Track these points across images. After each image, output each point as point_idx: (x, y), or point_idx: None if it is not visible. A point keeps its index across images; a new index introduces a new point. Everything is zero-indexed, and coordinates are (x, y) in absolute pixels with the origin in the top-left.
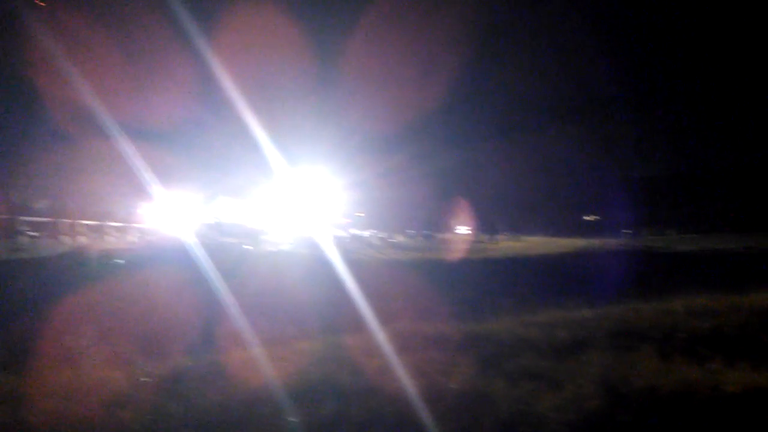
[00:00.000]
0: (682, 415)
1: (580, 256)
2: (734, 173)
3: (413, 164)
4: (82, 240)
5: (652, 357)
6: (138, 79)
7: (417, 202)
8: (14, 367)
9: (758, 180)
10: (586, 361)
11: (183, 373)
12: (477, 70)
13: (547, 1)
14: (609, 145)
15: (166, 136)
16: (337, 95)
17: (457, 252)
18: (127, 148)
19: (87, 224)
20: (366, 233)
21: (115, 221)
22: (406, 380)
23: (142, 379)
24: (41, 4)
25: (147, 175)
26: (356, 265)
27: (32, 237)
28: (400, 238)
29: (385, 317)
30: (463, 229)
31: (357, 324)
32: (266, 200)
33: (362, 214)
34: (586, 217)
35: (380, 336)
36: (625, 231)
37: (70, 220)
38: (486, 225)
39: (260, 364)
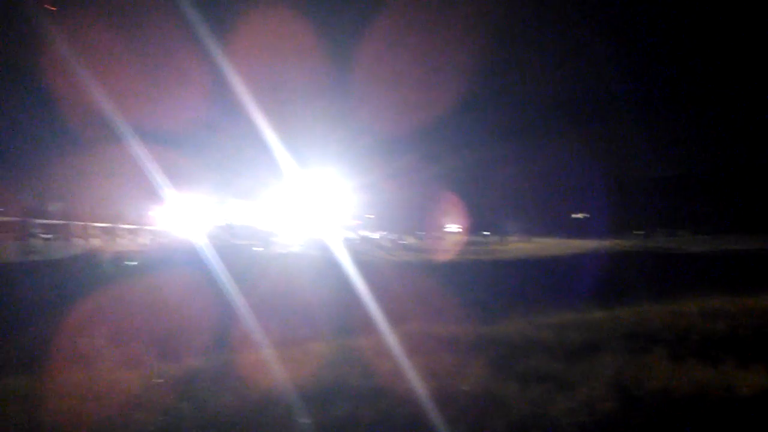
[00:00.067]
0: (695, 417)
1: (592, 257)
2: (748, 174)
3: (423, 166)
4: (95, 242)
5: (665, 359)
6: (150, 83)
7: (426, 204)
8: (30, 368)
9: None
10: (598, 363)
11: (196, 375)
12: (487, 72)
13: (552, 4)
14: (621, 146)
15: (177, 138)
16: (348, 98)
17: (467, 254)
18: (139, 150)
19: (99, 226)
20: (376, 235)
21: (127, 223)
22: (417, 382)
23: (156, 381)
24: (52, 8)
25: (159, 178)
26: (366, 267)
27: (45, 239)
28: (410, 240)
29: (396, 319)
30: (473, 231)
31: (368, 326)
32: (277, 202)
33: (372, 216)
34: (597, 218)
35: (391, 338)
36: (637, 232)
37: (82, 223)
38: (496, 226)
39: (272, 365)
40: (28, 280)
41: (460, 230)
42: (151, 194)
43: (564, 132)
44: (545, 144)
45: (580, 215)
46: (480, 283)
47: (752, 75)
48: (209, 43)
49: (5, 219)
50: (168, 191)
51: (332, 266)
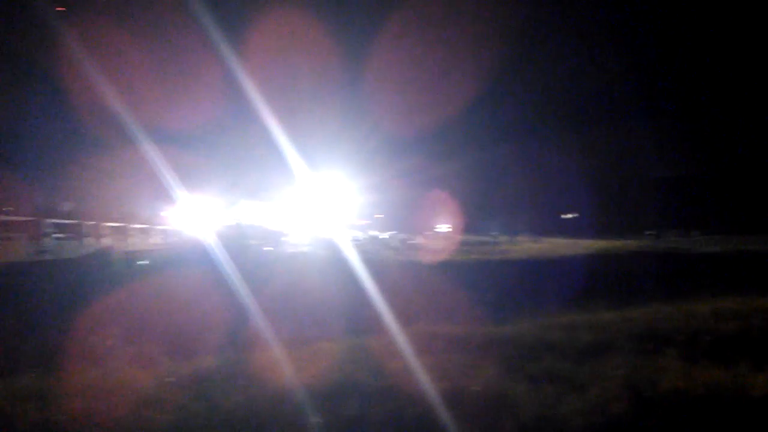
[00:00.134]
0: (707, 418)
1: (602, 257)
2: (761, 174)
3: (431, 166)
4: (107, 241)
5: (677, 360)
6: (162, 84)
7: (435, 204)
8: (43, 367)
9: None
10: (609, 364)
11: (207, 373)
12: (496, 73)
13: (557, 5)
14: (632, 147)
15: (188, 139)
16: (357, 99)
17: (476, 253)
18: (151, 151)
19: (111, 226)
20: (385, 235)
21: (139, 223)
22: (427, 382)
23: (168, 379)
24: (61, 9)
25: (170, 178)
26: (376, 267)
27: (58, 239)
28: (419, 240)
29: (406, 319)
30: (482, 231)
31: (378, 325)
32: (287, 202)
33: (381, 216)
34: (607, 218)
35: (401, 337)
36: (648, 232)
37: (94, 222)
38: (505, 226)
39: (282, 364)
40: (42, 279)
41: (469, 230)
42: (163, 194)
43: (575, 132)
44: (555, 145)
45: (592, 216)
46: (489, 283)
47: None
48: (221, 45)
49: (19, 219)
50: (179, 191)
51: (341, 266)
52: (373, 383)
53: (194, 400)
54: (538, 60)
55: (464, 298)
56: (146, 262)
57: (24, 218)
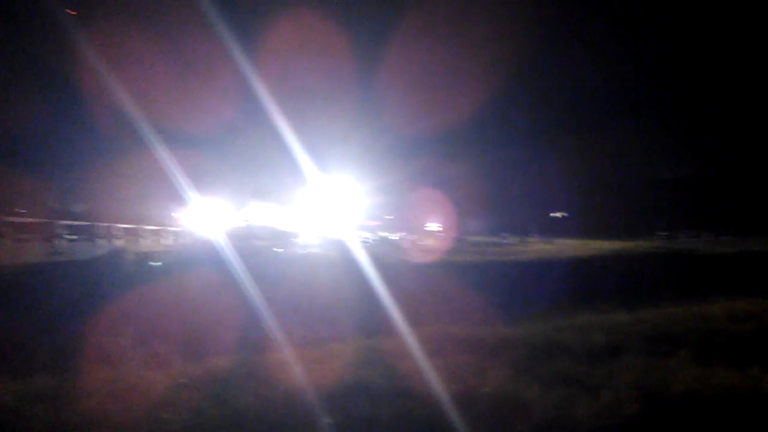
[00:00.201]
0: (721, 421)
1: (615, 258)
2: None
3: (442, 168)
4: (119, 243)
5: (690, 362)
6: (173, 86)
7: (445, 205)
8: (56, 368)
9: None
10: (622, 366)
11: (220, 374)
12: (506, 73)
13: (564, 7)
14: (644, 148)
15: (200, 141)
16: (368, 100)
17: (487, 255)
18: (162, 152)
19: (123, 227)
20: (395, 236)
21: (151, 224)
22: (438, 384)
23: (180, 380)
24: (72, 12)
25: (181, 179)
26: (386, 268)
27: (70, 240)
28: (429, 241)
29: (417, 320)
30: (493, 232)
31: (389, 326)
32: (297, 204)
33: (391, 217)
34: (618, 220)
35: (412, 339)
36: (660, 233)
37: (106, 224)
38: (516, 227)
39: (294, 365)
40: (54, 280)
41: (480, 231)
42: (175, 196)
43: (587, 134)
44: (567, 146)
45: (603, 217)
46: (500, 284)
47: None
48: (233, 48)
49: (31, 220)
50: (191, 193)
51: (352, 267)
52: (385, 384)
53: (207, 401)
54: (548, 62)
55: (474, 299)
56: (159, 263)
57: (37, 220)
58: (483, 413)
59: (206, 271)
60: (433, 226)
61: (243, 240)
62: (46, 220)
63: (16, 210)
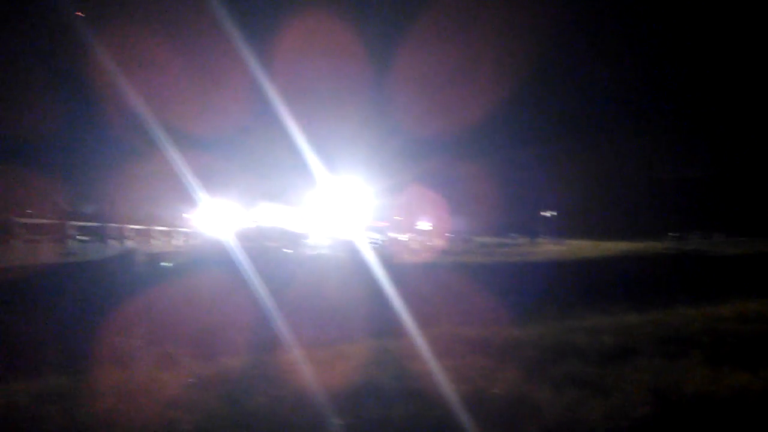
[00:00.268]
0: (734, 423)
1: (625, 259)
2: None
3: (451, 169)
4: (130, 244)
5: (702, 364)
6: (183, 87)
7: (454, 206)
8: (68, 368)
9: None
10: (633, 367)
11: (230, 375)
12: (519, 73)
13: (566, 8)
14: (654, 147)
15: (209, 142)
16: (379, 99)
17: (497, 255)
18: (172, 154)
19: (134, 228)
20: (405, 237)
21: (161, 225)
22: (448, 385)
23: (191, 380)
24: (81, 15)
25: (191, 181)
26: (396, 269)
27: (82, 241)
28: (438, 242)
29: (427, 321)
30: (502, 233)
31: (399, 327)
32: (306, 204)
33: (401, 218)
34: (629, 221)
35: (422, 340)
36: (671, 234)
37: (117, 225)
38: (527, 228)
39: (304, 366)
40: (66, 281)
41: (489, 232)
42: (185, 197)
43: (597, 133)
44: (576, 147)
45: (615, 217)
46: (510, 285)
47: None
48: (242, 48)
49: (43, 221)
50: (201, 194)
51: (361, 268)
52: (395, 385)
53: (218, 402)
54: (558, 63)
55: (485, 300)
56: (170, 264)
57: (48, 221)
58: (493, 415)
59: (216, 271)
60: (442, 227)
61: (252, 241)
62: (57, 221)
63: (28, 211)
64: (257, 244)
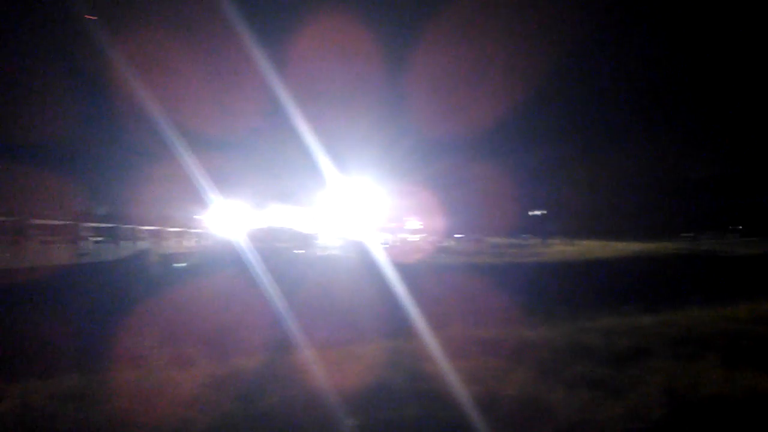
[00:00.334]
0: (749, 425)
1: (638, 260)
2: None
3: (463, 169)
4: (143, 244)
5: (717, 365)
6: (196, 89)
7: (467, 207)
8: (83, 368)
9: None
10: (647, 369)
11: (243, 375)
12: (534, 74)
13: (568, 8)
14: (667, 147)
15: (221, 143)
16: (390, 100)
17: (508, 256)
18: (185, 155)
19: (147, 229)
20: (416, 237)
21: (173, 226)
22: (461, 386)
23: (205, 380)
24: (92, 18)
25: (203, 182)
26: (407, 270)
27: (95, 242)
28: (450, 243)
29: (439, 322)
30: (514, 233)
31: (410, 328)
32: (317, 205)
33: (412, 219)
34: (642, 221)
35: (434, 341)
36: (684, 234)
37: (130, 226)
38: (537, 228)
39: (317, 366)
40: (81, 281)
41: (501, 233)
42: (197, 198)
43: (610, 134)
44: (587, 147)
45: (626, 218)
46: (523, 286)
47: None
48: (254, 50)
49: (57, 222)
50: (212, 195)
51: (373, 269)
52: (407, 386)
53: (231, 401)
54: (575, 64)
55: (497, 301)
56: (182, 264)
57: (61, 222)
58: (506, 416)
59: (228, 272)
60: (453, 227)
61: (264, 242)
62: (71, 222)
63: (42, 212)
64: (268, 244)
